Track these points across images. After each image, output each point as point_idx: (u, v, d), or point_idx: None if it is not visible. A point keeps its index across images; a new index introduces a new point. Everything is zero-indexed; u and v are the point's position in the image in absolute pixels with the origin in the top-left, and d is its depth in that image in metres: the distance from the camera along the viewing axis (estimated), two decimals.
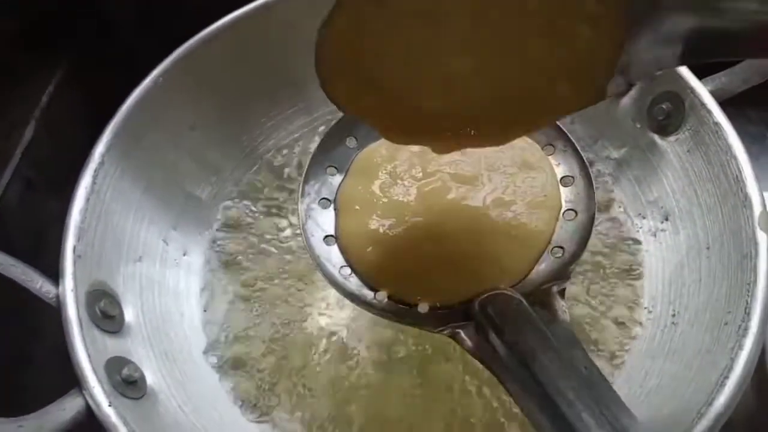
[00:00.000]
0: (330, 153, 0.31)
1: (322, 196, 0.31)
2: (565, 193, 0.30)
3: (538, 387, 0.23)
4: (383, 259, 0.29)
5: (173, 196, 0.37)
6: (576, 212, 0.29)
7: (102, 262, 0.32)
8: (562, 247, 0.28)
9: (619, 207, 0.37)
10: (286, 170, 0.40)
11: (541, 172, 0.30)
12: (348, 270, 0.29)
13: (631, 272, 0.35)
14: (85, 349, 0.28)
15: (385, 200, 0.30)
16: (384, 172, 0.31)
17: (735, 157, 0.30)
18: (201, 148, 0.38)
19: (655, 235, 0.35)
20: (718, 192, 0.31)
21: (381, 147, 0.31)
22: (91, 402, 0.27)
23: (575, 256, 0.28)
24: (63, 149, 0.43)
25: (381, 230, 0.29)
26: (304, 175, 0.31)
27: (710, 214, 0.32)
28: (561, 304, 0.26)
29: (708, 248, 0.31)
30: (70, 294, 0.29)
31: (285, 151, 0.41)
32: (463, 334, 0.26)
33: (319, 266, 0.29)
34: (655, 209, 0.35)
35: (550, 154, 0.31)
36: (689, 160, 0.33)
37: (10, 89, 0.43)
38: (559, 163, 0.30)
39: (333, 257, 0.29)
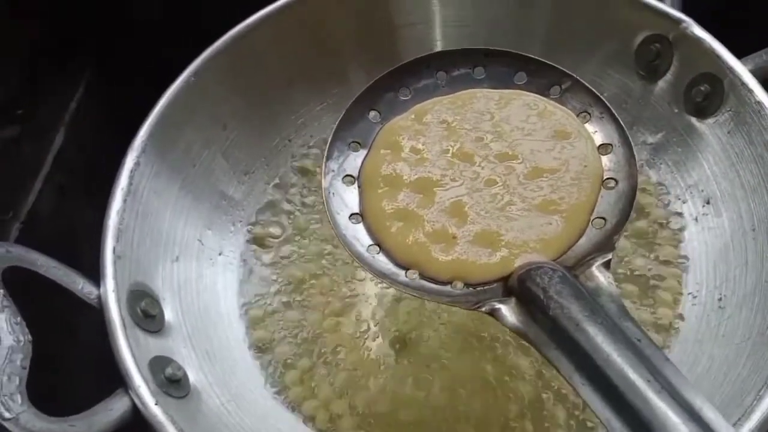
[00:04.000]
0: (352, 128, 0.30)
1: (346, 173, 0.29)
2: (604, 161, 0.28)
3: (587, 360, 0.22)
4: (412, 237, 0.27)
5: (207, 196, 0.37)
6: (617, 181, 0.28)
7: (141, 262, 0.32)
8: (604, 218, 0.27)
9: (658, 192, 0.36)
10: (318, 167, 0.40)
11: (578, 141, 0.29)
12: (376, 249, 0.28)
13: (673, 258, 0.34)
14: (129, 349, 0.28)
15: (412, 176, 0.29)
16: (410, 146, 0.29)
17: None
18: (233, 148, 0.38)
19: (696, 220, 0.35)
20: (762, 172, 0.31)
21: (406, 120, 0.30)
22: (137, 401, 0.27)
23: (618, 226, 0.27)
24: (93, 154, 0.44)
25: (409, 207, 0.28)
26: (326, 151, 0.30)
27: (755, 195, 0.31)
28: (607, 276, 0.25)
29: (754, 230, 0.31)
30: (111, 295, 0.29)
31: (315, 149, 0.40)
32: (503, 311, 0.25)
33: (346, 245, 0.28)
34: (696, 193, 0.35)
35: (586, 122, 0.29)
36: (730, 142, 0.33)
37: (38, 96, 0.43)
38: (596, 131, 0.29)
39: (360, 236, 0.28)
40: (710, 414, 0.20)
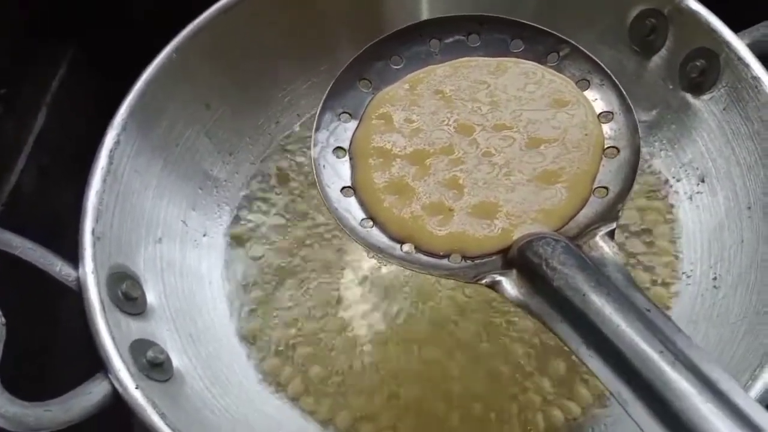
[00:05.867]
0: (342, 98, 0.29)
1: (337, 145, 0.28)
2: (604, 129, 0.27)
3: (595, 332, 0.21)
4: (407, 210, 0.27)
5: (191, 176, 0.36)
6: (618, 149, 0.27)
7: (122, 243, 0.31)
8: (606, 187, 0.26)
9: (651, 170, 0.36)
10: (305, 147, 0.39)
11: (578, 108, 0.28)
12: (370, 222, 0.27)
13: (666, 237, 0.34)
14: (108, 332, 0.27)
15: (406, 147, 0.28)
16: (403, 117, 0.28)
17: None
18: (217, 127, 0.37)
19: (691, 198, 0.34)
20: (759, 149, 0.30)
21: (398, 90, 0.29)
22: (117, 385, 0.26)
23: (621, 195, 0.26)
24: (75, 134, 0.43)
25: (403, 180, 0.27)
26: (315, 122, 0.29)
27: (750, 172, 0.31)
28: (611, 245, 0.24)
29: (749, 208, 0.30)
30: (90, 276, 0.28)
31: (303, 128, 0.40)
32: (504, 284, 0.24)
33: (338, 219, 0.27)
34: (690, 171, 0.34)
35: (586, 89, 0.28)
36: (726, 119, 0.32)
37: (19, 76, 0.42)
38: (596, 98, 0.28)
39: (353, 209, 0.27)
40: (727, 384, 0.19)
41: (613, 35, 0.35)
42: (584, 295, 0.22)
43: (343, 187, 0.28)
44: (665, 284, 0.33)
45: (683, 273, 0.33)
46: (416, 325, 0.34)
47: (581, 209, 0.26)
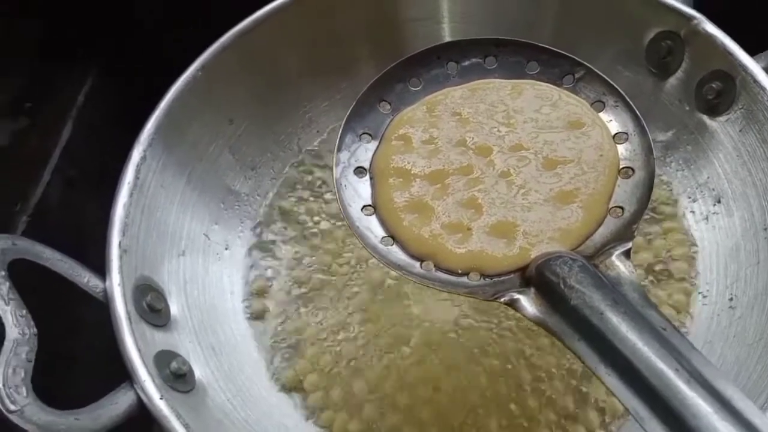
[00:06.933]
0: (363, 119, 0.30)
1: (358, 165, 0.29)
2: (620, 150, 0.28)
3: (612, 350, 0.21)
4: (427, 229, 0.27)
5: (214, 190, 0.37)
6: (633, 170, 0.27)
7: (147, 256, 0.32)
8: (621, 207, 0.27)
9: (668, 191, 0.36)
10: (326, 163, 0.39)
11: (593, 130, 0.28)
12: (390, 240, 0.27)
13: (683, 257, 0.34)
14: (134, 343, 0.28)
15: (424, 167, 0.28)
16: (422, 138, 0.29)
17: None
18: (240, 142, 0.38)
19: (707, 219, 0.34)
20: None
21: (417, 111, 0.30)
22: (142, 395, 0.27)
23: (637, 214, 0.26)
24: (100, 147, 0.43)
25: (423, 199, 0.28)
26: (337, 143, 0.29)
27: (766, 194, 0.31)
28: (627, 264, 0.24)
29: (765, 229, 0.31)
30: (117, 288, 0.29)
31: (323, 144, 0.40)
32: (522, 302, 0.24)
33: (360, 237, 0.27)
34: (706, 192, 0.35)
35: (601, 111, 0.29)
36: (742, 140, 0.32)
37: (45, 90, 0.43)
38: (611, 120, 0.29)
39: (373, 228, 0.28)
40: (742, 403, 0.19)
41: (630, 57, 0.36)
42: (601, 313, 0.22)
43: (364, 206, 0.28)
44: (682, 304, 0.33)
45: (699, 293, 0.33)
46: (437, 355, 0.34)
47: (597, 229, 0.26)
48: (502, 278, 0.26)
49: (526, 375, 0.33)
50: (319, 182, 0.39)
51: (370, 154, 0.29)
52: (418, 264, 0.27)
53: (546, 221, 0.26)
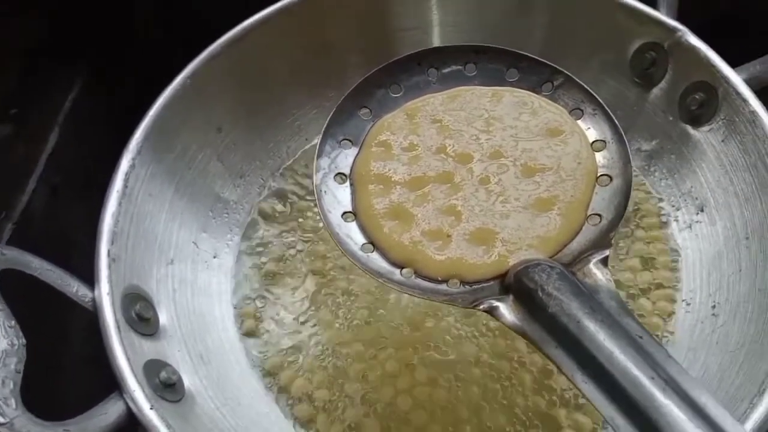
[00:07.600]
0: (343, 125, 0.30)
1: (338, 171, 0.29)
2: (597, 158, 0.28)
3: (589, 358, 0.21)
4: (407, 235, 0.27)
5: (202, 198, 0.37)
6: (611, 177, 0.28)
7: (135, 265, 0.32)
8: (599, 215, 0.27)
9: (651, 199, 0.37)
10: (311, 171, 0.40)
11: (572, 137, 0.28)
12: (370, 247, 0.27)
13: (665, 265, 0.35)
14: (124, 353, 0.28)
15: (404, 174, 0.28)
16: (402, 144, 0.29)
17: None
18: (228, 151, 0.38)
19: (690, 227, 0.35)
20: (756, 181, 0.31)
21: (397, 118, 0.30)
22: (132, 405, 0.27)
23: (615, 222, 0.27)
24: (87, 155, 0.43)
25: (402, 206, 0.28)
26: (317, 149, 0.29)
27: (748, 203, 0.32)
28: (605, 272, 0.25)
29: (747, 238, 0.31)
30: (106, 298, 0.29)
31: (311, 152, 0.40)
32: (501, 309, 0.25)
33: (339, 244, 0.27)
34: (690, 200, 0.35)
35: (579, 119, 0.29)
36: (724, 150, 0.33)
37: (31, 96, 0.43)
38: (589, 127, 0.29)
39: (353, 234, 0.28)
40: (716, 410, 0.20)
41: (615, 67, 0.37)
42: (578, 321, 0.22)
43: (344, 213, 0.28)
44: (665, 312, 0.33)
45: (683, 301, 0.34)
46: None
47: (575, 236, 0.27)
48: (482, 285, 0.26)
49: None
50: (306, 188, 0.39)
51: (350, 161, 0.29)
52: (398, 271, 0.27)
53: (525, 228, 0.27)
